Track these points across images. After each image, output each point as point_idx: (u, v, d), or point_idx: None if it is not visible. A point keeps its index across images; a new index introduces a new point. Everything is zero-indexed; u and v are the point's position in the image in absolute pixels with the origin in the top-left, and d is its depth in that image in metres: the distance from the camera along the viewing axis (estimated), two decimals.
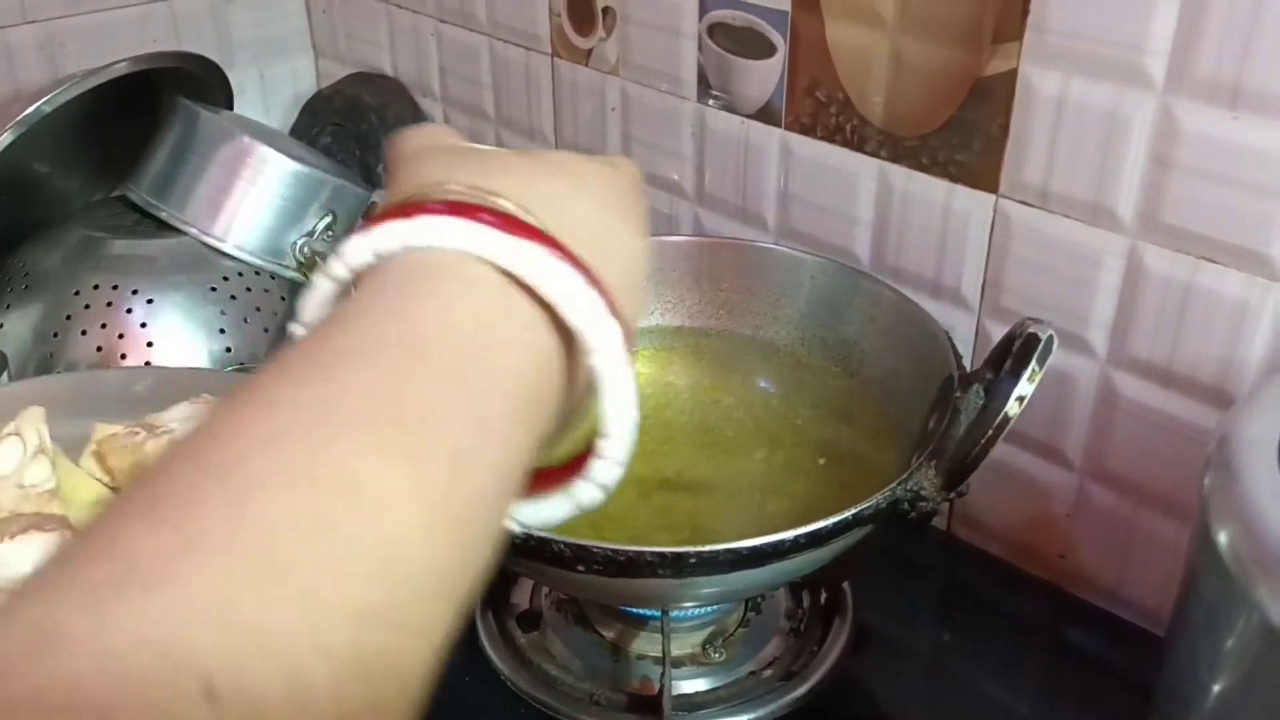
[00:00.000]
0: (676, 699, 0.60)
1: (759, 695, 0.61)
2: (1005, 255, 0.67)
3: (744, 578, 0.51)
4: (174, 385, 0.64)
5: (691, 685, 0.61)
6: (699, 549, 0.49)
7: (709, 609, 0.63)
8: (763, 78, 0.76)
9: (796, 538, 0.50)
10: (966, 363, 0.69)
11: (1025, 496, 0.71)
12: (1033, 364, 0.50)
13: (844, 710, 0.62)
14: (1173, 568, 0.61)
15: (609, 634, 0.64)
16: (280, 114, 1.10)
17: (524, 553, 0.51)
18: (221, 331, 0.87)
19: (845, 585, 0.66)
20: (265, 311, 0.90)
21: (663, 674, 0.58)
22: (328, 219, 0.92)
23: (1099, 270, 0.62)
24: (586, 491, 0.34)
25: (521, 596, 0.67)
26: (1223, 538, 0.42)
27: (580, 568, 0.50)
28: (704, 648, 0.63)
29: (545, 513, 0.35)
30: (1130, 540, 0.67)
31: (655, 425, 0.67)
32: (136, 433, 0.58)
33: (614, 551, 0.49)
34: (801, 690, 0.61)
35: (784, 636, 0.65)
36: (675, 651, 0.62)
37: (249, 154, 0.91)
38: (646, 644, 0.63)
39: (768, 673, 0.63)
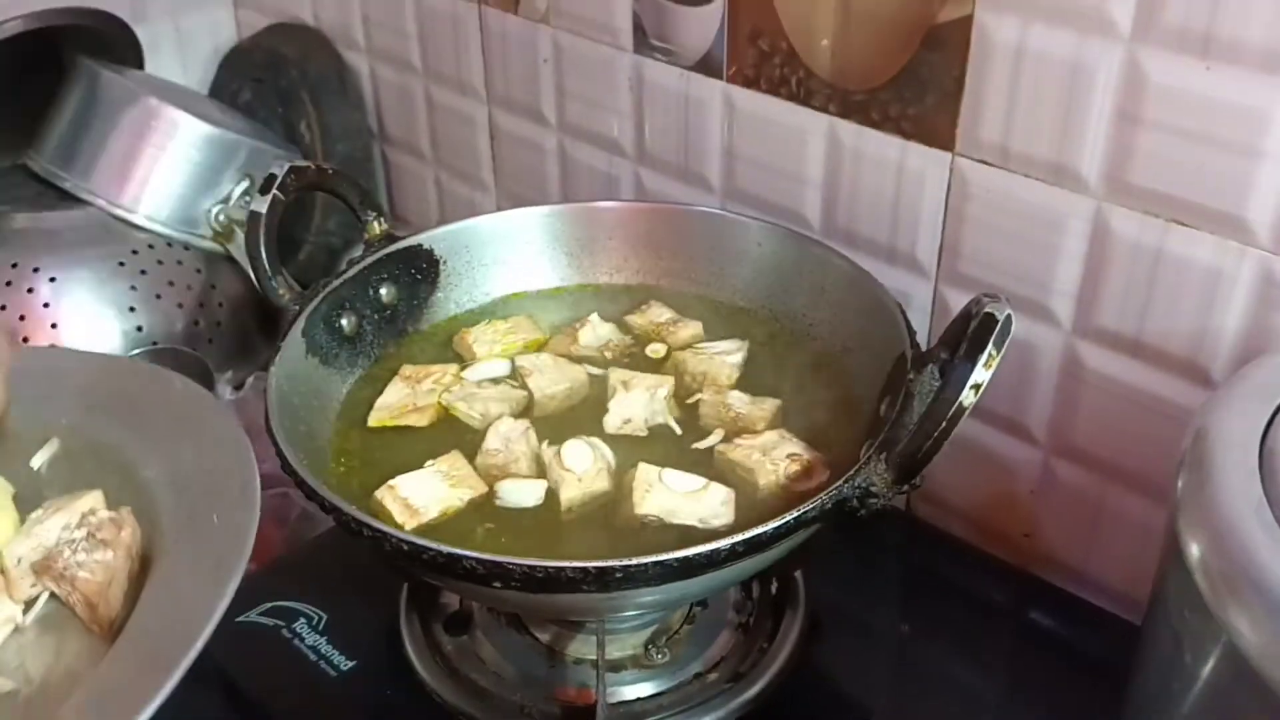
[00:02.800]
0: (616, 706, 0.56)
1: (706, 699, 0.57)
2: (963, 218, 0.62)
3: (679, 588, 0.47)
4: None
5: (633, 690, 0.57)
6: (625, 562, 0.45)
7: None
8: (702, 25, 0.70)
9: (734, 545, 0.46)
10: (924, 334, 0.65)
11: (988, 473, 0.67)
12: (989, 349, 0.46)
13: (798, 708, 0.58)
14: (1141, 548, 0.57)
15: (544, 636, 0.60)
16: (199, 69, 1.03)
17: (435, 569, 0.47)
18: (132, 310, 0.82)
19: (797, 574, 0.62)
20: (179, 286, 0.84)
21: (598, 683, 0.54)
22: (245, 184, 0.86)
23: (1063, 234, 0.58)
24: None
25: (451, 598, 0.63)
26: (1194, 550, 0.37)
27: (496, 584, 0.46)
28: (646, 649, 0.58)
29: None
30: (1098, 519, 0.63)
31: (595, 418, 0.62)
32: None
33: (530, 567, 0.45)
34: (751, 692, 0.57)
35: (733, 632, 0.61)
36: (616, 653, 0.58)
37: (157, 117, 0.85)
38: (584, 646, 0.59)
39: (714, 675, 0.58)
